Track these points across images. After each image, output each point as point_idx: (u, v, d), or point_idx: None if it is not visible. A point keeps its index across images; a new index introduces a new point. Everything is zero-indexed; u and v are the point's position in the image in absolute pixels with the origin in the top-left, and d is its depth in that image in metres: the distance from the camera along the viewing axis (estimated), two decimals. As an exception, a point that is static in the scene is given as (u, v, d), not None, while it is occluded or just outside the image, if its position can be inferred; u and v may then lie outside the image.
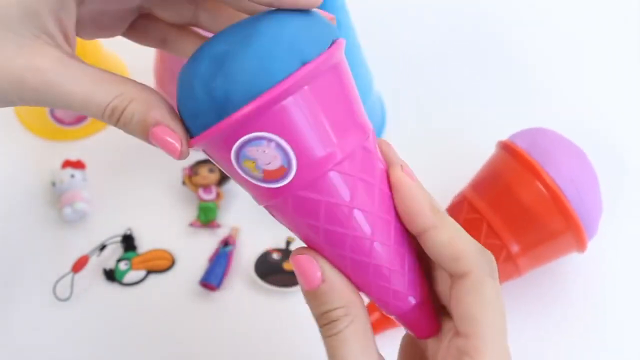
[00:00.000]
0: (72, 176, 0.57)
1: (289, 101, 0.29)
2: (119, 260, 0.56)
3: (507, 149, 0.51)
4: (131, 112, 0.30)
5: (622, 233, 0.57)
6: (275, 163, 0.30)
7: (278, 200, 0.31)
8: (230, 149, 0.30)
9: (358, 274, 0.33)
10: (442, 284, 0.34)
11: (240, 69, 0.29)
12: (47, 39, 0.30)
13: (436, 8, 0.71)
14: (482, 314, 0.32)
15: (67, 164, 0.58)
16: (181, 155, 0.30)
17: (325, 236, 0.32)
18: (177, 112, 0.31)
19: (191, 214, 0.58)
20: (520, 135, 0.53)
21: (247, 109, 0.28)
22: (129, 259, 0.56)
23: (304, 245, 0.33)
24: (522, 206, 0.49)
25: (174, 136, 0.30)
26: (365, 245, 0.32)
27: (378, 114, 0.62)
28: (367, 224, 0.32)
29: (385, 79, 0.63)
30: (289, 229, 0.33)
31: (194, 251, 0.56)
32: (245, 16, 0.34)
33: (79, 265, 0.54)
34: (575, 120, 0.61)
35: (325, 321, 0.33)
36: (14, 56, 0.29)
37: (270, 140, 0.29)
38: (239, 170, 0.31)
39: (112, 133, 0.63)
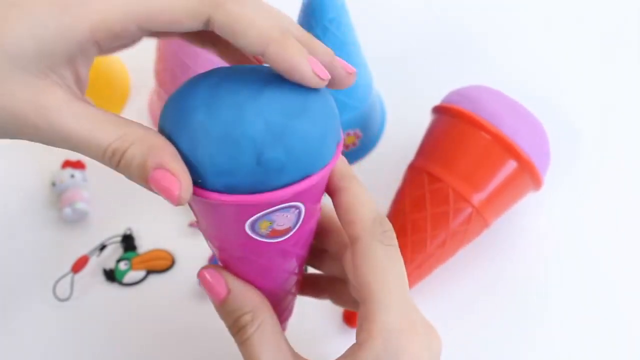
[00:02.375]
0: (72, 176, 0.57)
1: (322, 178, 0.31)
2: (118, 260, 0.56)
3: (442, 110, 0.54)
4: (132, 155, 0.29)
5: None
6: (287, 225, 0.31)
7: (256, 246, 0.33)
8: (254, 212, 0.30)
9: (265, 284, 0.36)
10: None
11: (303, 147, 0.29)
12: (56, 79, 0.30)
13: (437, 8, 0.71)
14: (374, 278, 0.32)
15: (67, 164, 0.58)
16: (179, 201, 0.28)
17: (258, 266, 0.34)
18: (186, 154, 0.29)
19: (191, 214, 0.58)
20: (451, 95, 0.55)
21: (303, 185, 0.29)
22: (129, 259, 0.56)
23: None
24: (474, 159, 0.51)
25: (173, 181, 0.28)
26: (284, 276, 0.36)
27: (378, 114, 0.62)
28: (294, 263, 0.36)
29: (385, 79, 0.63)
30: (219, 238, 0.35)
31: (194, 251, 0.56)
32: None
33: (79, 265, 0.54)
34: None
35: (235, 329, 0.34)
36: (18, 91, 0.29)
37: (297, 207, 0.31)
38: (246, 227, 0.31)
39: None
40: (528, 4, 0.71)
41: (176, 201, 0.28)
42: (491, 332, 0.53)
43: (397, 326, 0.32)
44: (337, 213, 0.34)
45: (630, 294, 0.54)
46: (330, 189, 0.34)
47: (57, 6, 0.28)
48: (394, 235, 0.34)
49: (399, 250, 0.34)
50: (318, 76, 0.29)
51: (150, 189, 0.29)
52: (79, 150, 0.30)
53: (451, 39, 0.69)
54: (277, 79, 0.29)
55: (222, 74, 0.30)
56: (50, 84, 0.29)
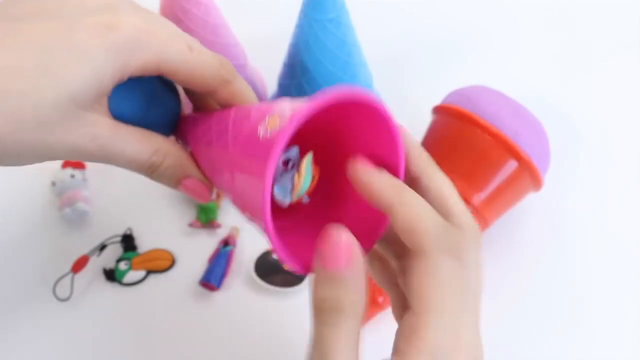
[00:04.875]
0: (72, 176, 0.58)
1: None
2: (118, 260, 0.56)
3: (443, 111, 0.54)
4: (166, 167, 0.37)
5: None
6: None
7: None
8: None
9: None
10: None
11: None
12: (100, 108, 0.34)
13: (437, 8, 0.71)
14: (434, 293, 0.31)
15: (67, 164, 0.58)
16: (207, 200, 0.37)
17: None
18: None
19: (191, 214, 0.58)
20: (452, 95, 0.55)
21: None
22: (129, 259, 0.56)
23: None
24: (475, 159, 0.51)
25: (203, 187, 0.37)
26: None
27: (378, 114, 0.62)
28: None
29: (385, 79, 0.63)
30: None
31: (194, 251, 0.56)
32: None
33: (79, 265, 0.54)
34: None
35: (329, 307, 0.31)
36: (79, 126, 0.33)
37: None
38: (260, 128, 0.31)
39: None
40: (528, 4, 0.71)
41: (206, 200, 0.37)
42: (491, 332, 0.52)
43: (446, 346, 0.31)
44: (395, 226, 0.32)
45: (630, 293, 0.54)
46: (385, 203, 0.32)
47: (111, 51, 0.32)
48: (467, 244, 0.32)
49: (468, 264, 0.32)
50: None
51: (179, 191, 0.38)
52: (122, 166, 0.35)
53: (451, 39, 0.69)
54: None
55: None
56: (99, 114, 0.34)
